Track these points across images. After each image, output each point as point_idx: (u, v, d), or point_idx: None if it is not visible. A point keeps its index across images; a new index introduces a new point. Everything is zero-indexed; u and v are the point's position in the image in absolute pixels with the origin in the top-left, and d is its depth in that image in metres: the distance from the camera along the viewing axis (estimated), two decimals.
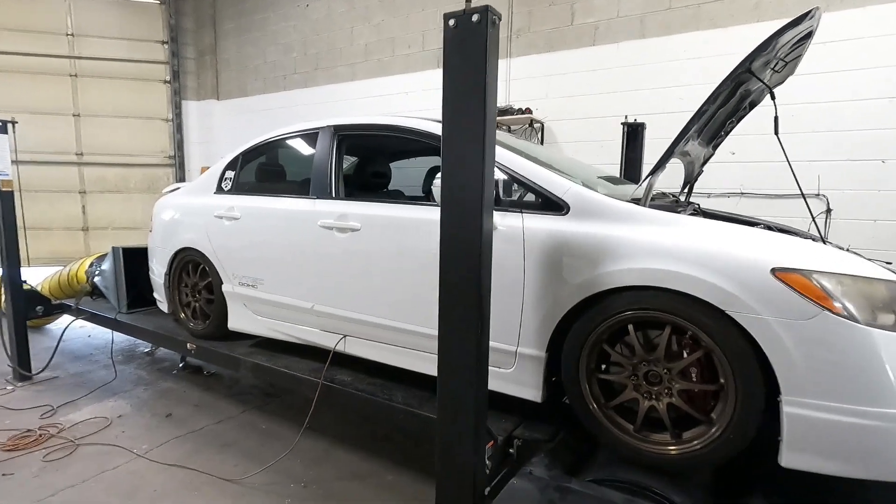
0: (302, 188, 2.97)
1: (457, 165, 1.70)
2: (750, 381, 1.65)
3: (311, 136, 2.97)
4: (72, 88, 6.98)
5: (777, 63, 2.28)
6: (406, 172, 3.93)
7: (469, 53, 1.63)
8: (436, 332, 2.28)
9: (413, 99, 5.52)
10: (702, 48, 4.08)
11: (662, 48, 4.23)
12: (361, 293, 2.55)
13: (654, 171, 1.98)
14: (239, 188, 3.27)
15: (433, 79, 5.41)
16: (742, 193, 4.03)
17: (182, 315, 3.54)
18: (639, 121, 3.91)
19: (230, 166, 3.35)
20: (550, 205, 2.06)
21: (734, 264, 1.65)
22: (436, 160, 4.13)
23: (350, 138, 2.89)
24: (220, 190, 3.35)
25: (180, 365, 4.42)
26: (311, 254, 2.71)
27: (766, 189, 3.98)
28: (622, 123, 3.91)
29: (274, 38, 6.69)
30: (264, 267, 2.96)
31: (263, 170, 3.34)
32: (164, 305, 3.71)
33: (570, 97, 4.68)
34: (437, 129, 2.46)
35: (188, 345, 3.38)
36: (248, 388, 4.06)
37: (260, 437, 3.28)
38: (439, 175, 2.08)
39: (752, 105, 2.73)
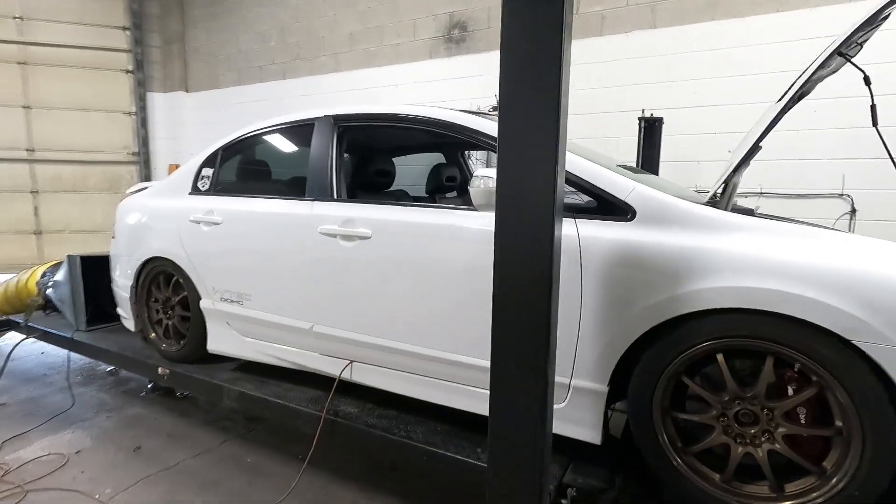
0: (296, 188, 2.54)
1: (519, 162, 1.33)
2: (881, 426, 1.33)
3: (305, 128, 2.54)
4: (21, 77, 6.26)
5: (854, 46, 1.99)
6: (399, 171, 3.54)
7: (541, 19, 1.26)
8: (468, 360, 1.93)
9: (403, 91, 5.11)
10: (718, 39, 3.82)
11: (676, 39, 3.95)
12: (372, 312, 2.15)
13: (737, 169, 1.65)
14: (219, 188, 2.81)
15: (425, 70, 5.01)
16: (761, 193, 3.79)
17: (152, 334, 3.05)
18: (654, 116, 3.62)
19: (208, 163, 2.88)
20: (611, 209, 1.71)
21: (862, 283, 1.33)
22: (439, 157, 3.75)
23: (352, 131, 2.47)
24: (195, 190, 2.87)
25: (149, 386, 3.89)
26: (310, 265, 2.29)
27: (786, 188, 3.75)
28: (639, 118, 3.61)
29: (248, 25, 6.15)
30: (252, 280, 2.52)
31: (248, 167, 2.89)
32: (129, 323, 3.21)
33: (575, 91, 4.31)
34: (463, 120, 2.08)
35: (159, 369, 2.90)
36: (229, 413, 3.58)
37: (246, 474, 2.83)
38: (478, 173, 1.71)
39: (801, 96, 2.45)
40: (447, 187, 3.32)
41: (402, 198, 2.88)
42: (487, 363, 1.84)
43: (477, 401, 1.95)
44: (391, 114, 2.28)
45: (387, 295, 2.10)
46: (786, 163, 3.71)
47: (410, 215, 2.06)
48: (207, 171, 2.86)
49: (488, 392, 1.89)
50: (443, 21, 4.90)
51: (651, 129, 3.57)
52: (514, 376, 1.40)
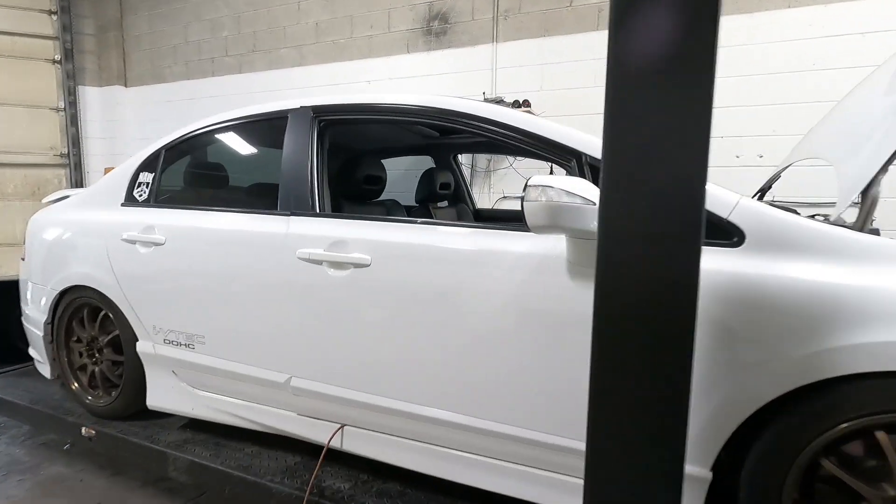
0: (264, 199, 1.97)
1: (638, 165, 0.85)
2: None
3: (275, 123, 1.98)
4: None
5: None
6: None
7: None
8: (512, 431, 1.45)
9: (378, 88, 4.57)
10: (723, 36, 3.50)
11: None
12: (373, 363, 1.62)
13: (874, 181, 1.24)
14: (162, 198, 2.19)
15: (402, 65, 4.49)
16: (773, 201, 3.49)
17: (74, 385, 2.38)
18: None
19: (147, 166, 2.26)
20: (707, 230, 1.27)
21: None
22: (427, 161, 3.25)
23: (337, 126, 1.94)
24: (131, 200, 2.24)
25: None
26: (286, 300, 1.73)
27: (796, 196, 3.47)
28: None
29: (198, 12, 5.43)
30: (206, 318, 1.93)
31: (201, 172, 2.29)
32: (45, 368, 2.51)
33: (569, 90, 3.95)
34: (486, 112, 1.60)
35: (84, 430, 2.25)
36: None
37: None
38: (535, 182, 1.22)
39: None
40: (440, 196, 2.82)
41: (393, 209, 2.35)
42: (542, 436, 1.37)
43: (524, 484, 1.46)
44: (402, 106, 1.75)
45: (392, 341, 1.57)
46: (794, 168, 3.43)
47: (425, 237, 1.55)
48: (146, 177, 2.24)
49: (543, 473, 1.43)
50: (421, 12, 4.40)
51: None
52: (623, 467, 0.92)
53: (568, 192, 1.17)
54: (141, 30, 5.79)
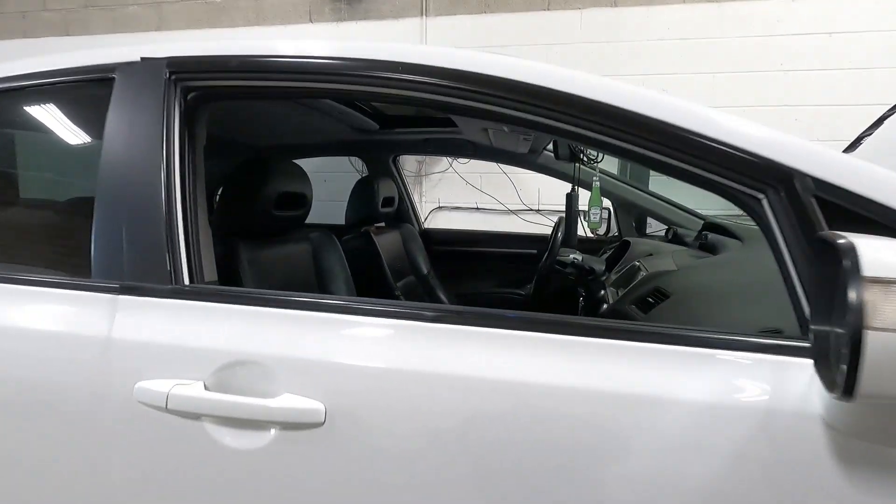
0: (61, 255, 0.93)
1: None
2: None
3: (88, 92, 0.95)
4: None
5: None
6: None
7: None
8: None
9: None
10: (691, 26, 3.03)
11: (640, 22, 3.08)
12: None
13: None
14: None
15: (302, 37, 3.44)
16: None
17: None
18: None
19: None
20: None
21: None
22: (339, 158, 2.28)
23: (221, 100, 0.97)
24: None
25: None
26: (122, 480, 0.74)
27: None
28: None
29: None
30: None
31: None
32: None
33: None
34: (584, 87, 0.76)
35: None
36: None
37: None
38: (876, 266, 0.40)
39: None
40: (381, 215, 1.92)
41: (324, 247, 1.41)
42: None
43: None
44: (356, 61, 0.83)
45: None
46: None
47: (475, 354, 0.66)
48: None
49: None
50: None
51: None
52: None
53: None
54: None
